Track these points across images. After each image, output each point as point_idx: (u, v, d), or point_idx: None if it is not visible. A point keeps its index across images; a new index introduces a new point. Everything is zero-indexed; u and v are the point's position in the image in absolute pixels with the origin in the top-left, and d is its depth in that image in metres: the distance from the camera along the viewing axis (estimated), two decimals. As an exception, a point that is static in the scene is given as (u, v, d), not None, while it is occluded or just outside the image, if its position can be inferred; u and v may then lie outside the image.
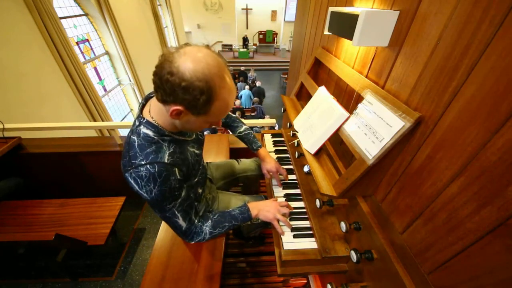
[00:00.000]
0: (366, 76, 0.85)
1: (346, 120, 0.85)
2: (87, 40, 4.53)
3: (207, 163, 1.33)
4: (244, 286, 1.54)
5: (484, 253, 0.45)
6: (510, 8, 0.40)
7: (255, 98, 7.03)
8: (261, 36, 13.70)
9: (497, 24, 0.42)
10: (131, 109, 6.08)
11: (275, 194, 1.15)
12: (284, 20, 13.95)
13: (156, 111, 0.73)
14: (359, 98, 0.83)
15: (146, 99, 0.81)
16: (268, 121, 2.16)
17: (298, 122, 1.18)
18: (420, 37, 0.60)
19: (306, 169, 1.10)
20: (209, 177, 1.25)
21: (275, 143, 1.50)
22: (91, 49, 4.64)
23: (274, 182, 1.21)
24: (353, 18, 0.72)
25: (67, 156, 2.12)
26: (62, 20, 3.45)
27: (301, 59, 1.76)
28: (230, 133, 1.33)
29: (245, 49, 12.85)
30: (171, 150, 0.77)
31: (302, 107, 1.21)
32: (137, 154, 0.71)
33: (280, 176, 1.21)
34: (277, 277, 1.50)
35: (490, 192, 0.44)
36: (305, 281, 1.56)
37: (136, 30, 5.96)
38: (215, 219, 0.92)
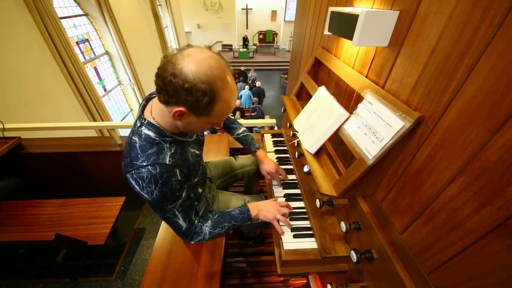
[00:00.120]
0: (366, 76, 0.85)
1: (346, 120, 0.85)
2: (87, 40, 4.53)
3: (205, 162, 1.33)
4: (244, 286, 1.54)
5: (484, 253, 0.45)
6: (510, 8, 0.40)
7: (254, 98, 7.03)
8: (261, 36, 13.69)
9: (497, 24, 0.42)
10: (131, 109, 6.08)
11: (275, 194, 1.15)
12: (284, 20, 13.94)
13: (158, 112, 0.73)
14: (359, 98, 0.83)
15: (147, 99, 0.81)
16: (268, 121, 2.16)
17: (298, 122, 1.18)
18: (420, 37, 0.60)
19: (306, 169, 1.10)
20: (208, 177, 1.25)
21: (275, 143, 1.50)
22: (91, 49, 4.64)
23: (274, 182, 1.21)
24: (353, 18, 0.72)
25: (67, 156, 2.12)
26: (62, 20, 3.44)
27: (301, 59, 1.76)
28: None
29: (245, 49, 12.85)
30: (172, 151, 0.77)
31: (302, 107, 1.21)
32: (139, 155, 0.71)
33: (280, 176, 1.21)
34: (277, 277, 1.50)
35: (490, 192, 0.44)
36: (305, 281, 1.55)
37: (136, 30, 5.96)
38: (214, 219, 0.92)
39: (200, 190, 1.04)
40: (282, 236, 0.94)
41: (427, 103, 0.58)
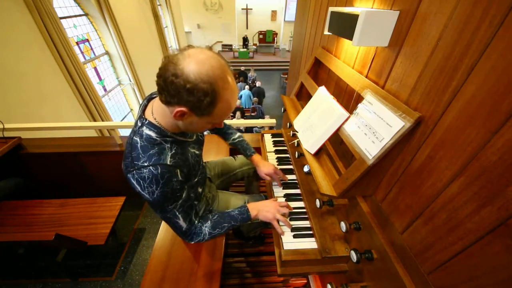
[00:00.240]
0: (366, 76, 0.85)
1: (346, 120, 0.85)
2: (87, 40, 4.53)
3: (205, 162, 1.33)
4: (244, 286, 1.54)
5: (484, 253, 0.45)
6: (510, 8, 0.40)
7: (254, 99, 7.03)
8: (261, 36, 13.69)
9: (497, 24, 0.42)
10: (131, 109, 6.08)
11: (275, 194, 1.15)
12: (284, 20, 13.94)
13: (159, 112, 0.74)
14: (359, 98, 0.83)
15: (148, 99, 0.82)
16: (268, 121, 2.16)
17: (298, 122, 1.18)
18: (420, 37, 0.60)
19: (306, 169, 1.10)
20: (208, 176, 1.25)
21: (275, 143, 1.51)
22: (91, 49, 4.64)
23: (274, 182, 1.21)
24: (353, 18, 0.72)
25: (67, 156, 2.12)
26: (62, 20, 3.44)
27: (301, 59, 1.76)
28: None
29: (245, 49, 12.85)
30: (173, 151, 0.77)
31: (302, 107, 1.21)
32: (140, 156, 0.71)
33: (279, 177, 1.21)
34: (277, 277, 1.50)
35: (490, 192, 0.44)
36: (305, 281, 1.55)
37: (136, 30, 5.96)
38: (214, 219, 0.92)
39: (200, 190, 1.04)
40: (282, 236, 0.94)
41: (427, 103, 0.58)
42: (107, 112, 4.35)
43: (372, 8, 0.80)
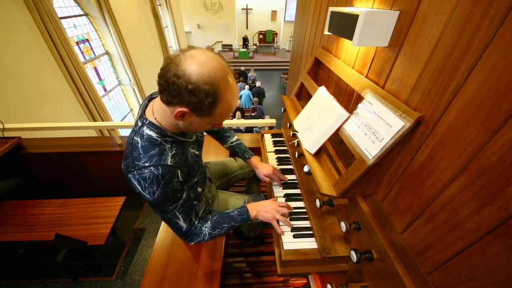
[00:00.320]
0: (366, 76, 0.85)
1: (346, 120, 0.85)
2: (87, 40, 4.53)
3: (205, 163, 1.34)
4: (244, 286, 1.54)
5: (484, 253, 0.45)
6: (510, 8, 0.40)
7: (254, 99, 7.03)
8: (261, 36, 13.69)
9: (497, 24, 0.42)
10: (131, 109, 6.08)
11: (275, 194, 1.15)
12: (284, 20, 13.94)
13: (160, 112, 0.74)
14: (359, 98, 0.83)
15: (149, 99, 0.82)
16: (268, 121, 2.16)
17: (298, 122, 1.18)
18: (420, 37, 0.60)
19: (306, 169, 1.10)
20: (208, 176, 1.25)
21: (275, 143, 1.50)
22: (91, 49, 4.63)
23: (274, 182, 1.21)
24: (353, 18, 0.72)
25: (67, 156, 2.12)
26: (62, 20, 3.44)
27: (301, 59, 1.76)
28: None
29: (245, 49, 12.85)
30: (174, 152, 0.78)
31: (302, 107, 1.21)
32: (141, 156, 0.71)
33: (278, 177, 1.21)
34: (277, 277, 1.50)
35: (490, 192, 0.44)
36: (305, 281, 1.56)
37: (136, 30, 5.96)
38: (214, 220, 0.92)
39: (199, 190, 1.04)
40: (282, 236, 0.94)
41: (427, 103, 0.58)
42: (107, 112, 4.35)
43: (372, 8, 0.80)
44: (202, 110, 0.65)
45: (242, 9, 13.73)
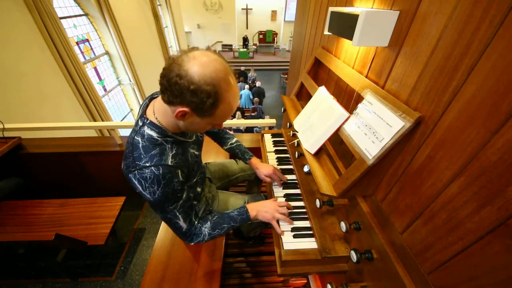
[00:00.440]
0: (366, 76, 0.85)
1: (346, 120, 0.85)
2: (87, 40, 4.53)
3: (206, 163, 1.34)
4: (244, 286, 1.54)
5: (484, 253, 0.45)
6: (510, 8, 0.40)
7: (255, 99, 7.03)
8: (261, 36, 13.69)
9: (497, 24, 0.42)
10: (131, 109, 6.08)
11: (275, 194, 1.15)
12: (284, 20, 13.94)
13: (161, 112, 0.74)
14: (359, 98, 0.83)
15: (150, 99, 0.82)
16: (268, 121, 2.16)
17: (298, 122, 1.18)
18: (420, 37, 0.60)
19: (306, 169, 1.10)
20: (208, 177, 1.25)
21: (275, 143, 1.50)
22: (91, 49, 4.63)
23: (274, 182, 1.21)
24: (353, 18, 0.72)
25: (67, 156, 2.12)
26: (62, 20, 3.44)
27: (301, 59, 1.76)
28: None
29: (245, 49, 12.85)
30: (174, 152, 0.78)
31: (302, 107, 1.21)
32: (142, 156, 0.71)
33: (279, 177, 1.21)
34: (277, 277, 1.50)
35: (490, 192, 0.44)
36: (305, 281, 1.56)
37: (136, 30, 5.96)
38: (214, 220, 0.92)
39: (199, 190, 1.04)
40: (282, 236, 0.94)
41: (427, 103, 0.58)
42: (107, 112, 4.35)
43: (372, 8, 0.80)
44: (203, 111, 0.65)
45: (242, 9, 13.73)
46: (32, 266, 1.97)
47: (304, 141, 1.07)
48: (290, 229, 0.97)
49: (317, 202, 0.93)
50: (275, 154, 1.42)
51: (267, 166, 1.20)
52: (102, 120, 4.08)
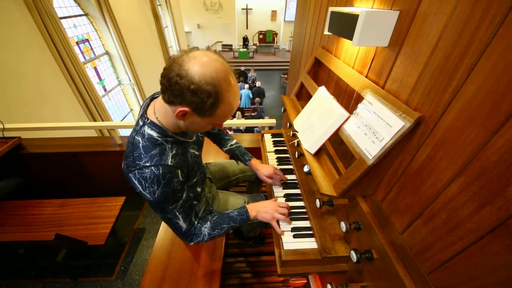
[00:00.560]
0: (366, 76, 0.85)
1: (346, 120, 0.85)
2: (87, 40, 4.53)
3: (206, 163, 1.34)
4: (244, 286, 1.54)
5: (484, 253, 0.45)
6: (510, 8, 0.40)
7: (256, 99, 7.03)
8: (261, 36, 13.69)
9: (497, 24, 0.42)
10: (131, 109, 6.08)
11: (275, 194, 1.15)
12: (284, 20, 13.94)
13: (162, 112, 0.74)
14: (359, 98, 0.83)
15: (151, 99, 0.82)
16: (268, 121, 2.16)
17: (298, 122, 1.18)
18: (420, 37, 0.60)
19: (306, 169, 1.10)
20: (209, 177, 1.25)
21: (275, 143, 1.50)
22: (91, 49, 4.63)
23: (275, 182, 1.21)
24: (353, 18, 0.72)
25: (67, 156, 2.12)
26: (62, 20, 3.44)
27: (301, 59, 1.76)
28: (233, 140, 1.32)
29: (245, 49, 12.85)
30: (174, 152, 0.78)
31: (302, 107, 1.21)
32: (142, 156, 0.72)
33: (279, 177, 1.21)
34: (277, 277, 1.50)
35: (490, 192, 0.44)
36: (305, 281, 1.56)
37: (136, 30, 5.96)
38: (213, 220, 0.92)
39: (199, 190, 1.04)
40: (282, 236, 0.94)
41: (427, 103, 0.58)
42: (107, 112, 4.35)
43: (372, 8, 0.80)
44: (203, 110, 0.65)
45: (242, 9, 13.73)
46: (32, 266, 1.97)
47: (304, 141, 1.07)
48: (290, 229, 0.97)
49: (317, 202, 0.93)
50: (275, 154, 1.42)
51: (267, 166, 1.20)
52: (102, 120, 4.08)
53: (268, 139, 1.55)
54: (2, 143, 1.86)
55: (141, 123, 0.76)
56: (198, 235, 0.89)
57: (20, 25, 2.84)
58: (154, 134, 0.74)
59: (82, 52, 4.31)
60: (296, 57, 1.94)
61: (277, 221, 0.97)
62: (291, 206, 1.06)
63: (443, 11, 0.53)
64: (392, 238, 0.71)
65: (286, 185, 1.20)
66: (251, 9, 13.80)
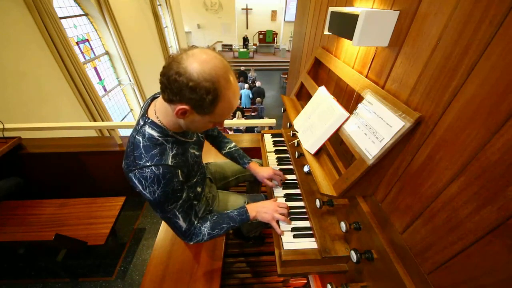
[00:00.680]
0: (366, 76, 0.85)
1: (346, 120, 0.85)
2: (87, 40, 4.53)
3: (206, 163, 1.34)
4: (244, 286, 1.54)
5: (484, 253, 0.45)
6: (510, 8, 0.40)
7: (257, 99, 7.03)
8: (261, 36, 13.69)
9: (497, 24, 0.42)
10: (131, 109, 6.08)
11: (275, 194, 1.15)
12: (284, 20, 13.95)
13: (162, 111, 0.74)
14: (359, 98, 0.83)
15: (152, 98, 0.83)
16: (268, 121, 2.16)
17: (298, 122, 1.18)
18: (420, 37, 0.60)
19: (306, 169, 1.10)
20: (209, 177, 1.25)
21: (275, 143, 1.50)
22: (91, 49, 4.64)
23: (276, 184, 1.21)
24: (353, 18, 0.72)
25: (67, 156, 2.12)
26: (62, 20, 3.44)
27: (301, 59, 1.76)
28: (232, 141, 1.32)
29: (245, 49, 12.85)
30: (174, 152, 0.78)
31: (302, 107, 1.21)
32: (142, 155, 0.72)
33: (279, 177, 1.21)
34: (277, 277, 1.50)
35: (490, 192, 0.44)
36: (305, 281, 1.55)
37: (136, 30, 5.96)
38: (213, 220, 0.92)
39: (199, 190, 1.05)
40: (282, 236, 0.94)
41: (427, 103, 0.58)
42: (107, 112, 4.35)
43: (372, 8, 0.80)
44: (202, 108, 0.65)
45: (242, 9, 13.73)
46: (32, 266, 1.97)
47: (304, 141, 1.07)
48: (290, 229, 0.97)
49: (317, 202, 0.93)
50: (275, 154, 1.42)
51: (266, 168, 1.20)
52: (102, 120, 4.08)
53: (268, 139, 1.55)
54: (2, 143, 1.86)
55: (141, 123, 0.76)
56: (198, 234, 0.89)
57: (20, 25, 2.84)
58: (155, 133, 0.74)
59: (82, 52, 4.32)
60: (296, 57, 1.94)
61: (277, 221, 0.97)
62: (291, 206, 1.06)
63: (443, 11, 0.53)
64: (392, 238, 0.71)
65: (286, 185, 1.20)
66: (251, 9, 13.81)
